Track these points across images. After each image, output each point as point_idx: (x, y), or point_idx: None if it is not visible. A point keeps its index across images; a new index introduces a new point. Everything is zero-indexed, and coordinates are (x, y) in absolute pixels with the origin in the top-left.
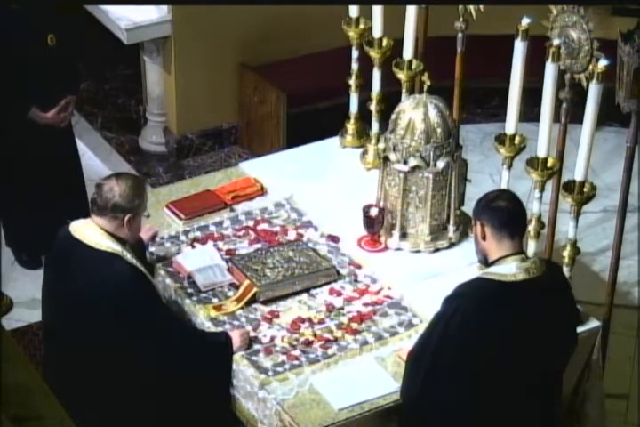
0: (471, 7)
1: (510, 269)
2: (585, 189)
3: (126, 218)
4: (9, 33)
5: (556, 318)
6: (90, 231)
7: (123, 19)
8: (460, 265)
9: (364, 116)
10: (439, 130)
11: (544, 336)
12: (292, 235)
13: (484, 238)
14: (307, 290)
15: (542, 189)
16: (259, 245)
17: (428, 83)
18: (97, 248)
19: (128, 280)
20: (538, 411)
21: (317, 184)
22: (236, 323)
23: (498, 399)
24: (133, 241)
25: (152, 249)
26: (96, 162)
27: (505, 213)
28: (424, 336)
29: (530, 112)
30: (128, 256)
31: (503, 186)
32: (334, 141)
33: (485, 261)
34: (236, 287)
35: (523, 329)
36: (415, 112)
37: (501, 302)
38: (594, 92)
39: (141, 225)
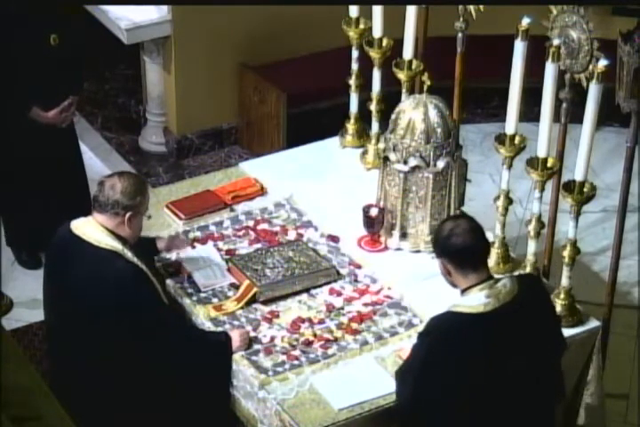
0: (471, 7)
1: (479, 300)
2: (585, 189)
3: (127, 216)
4: (11, 33)
5: (536, 333)
6: (90, 229)
7: (123, 19)
8: None
9: (364, 116)
10: (439, 130)
11: (526, 353)
12: (292, 235)
13: (449, 274)
14: (307, 290)
15: (542, 189)
16: (259, 245)
17: (428, 83)
18: (97, 246)
19: (128, 278)
20: (535, 413)
21: (317, 184)
22: (235, 323)
23: (490, 406)
24: (134, 241)
25: None
26: (96, 162)
27: (462, 251)
28: (407, 362)
29: (530, 112)
30: (129, 255)
31: (503, 186)
32: (334, 141)
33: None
34: (236, 287)
35: (499, 356)
36: (415, 112)
37: (473, 335)
38: (594, 92)
39: (142, 225)
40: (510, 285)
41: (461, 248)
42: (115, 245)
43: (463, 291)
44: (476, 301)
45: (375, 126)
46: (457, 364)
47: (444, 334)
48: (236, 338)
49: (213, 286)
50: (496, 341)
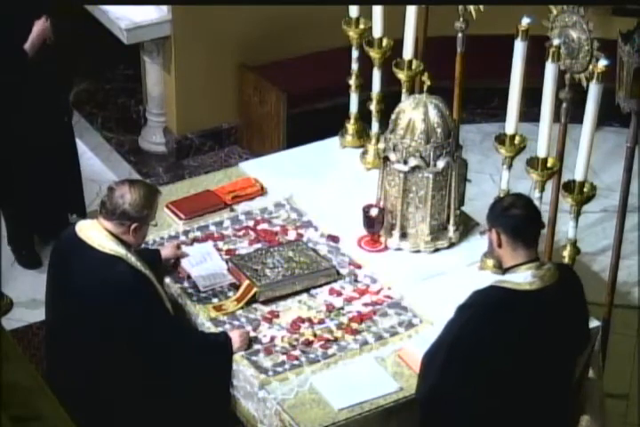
0: (471, 7)
1: (525, 278)
2: (585, 189)
3: (132, 226)
4: (8, 32)
5: (569, 322)
6: (94, 232)
7: (123, 19)
8: (460, 265)
9: (364, 116)
10: (439, 130)
11: (557, 340)
12: (292, 235)
13: (499, 246)
14: (307, 290)
15: (542, 189)
16: (259, 245)
17: (428, 83)
18: (100, 250)
19: (129, 283)
20: (552, 409)
21: (317, 184)
22: (236, 323)
23: (508, 400)
24: (138, 247)
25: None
26: (96, 162)
27: (520, 222)
28: (437, 341)
29: (530, 112)
30: (132, 259)
31: (503, 186)
32: (334, 141)
33: (500, 266)
34: (236, 287)
35: (535, 336)
36: (415, 112)
37: (515, 312)
38: (594, 92)
39: (147, 233)
40: (554, 270)
41: (521, 218)
42: (118, 250)
43: (508, 269)
44: (522, 278)
45: (375, 126)
46: (493, 338)
47: (487, 307)
48: (235, 338)
49: (213, 286)
50: (535, 320)
